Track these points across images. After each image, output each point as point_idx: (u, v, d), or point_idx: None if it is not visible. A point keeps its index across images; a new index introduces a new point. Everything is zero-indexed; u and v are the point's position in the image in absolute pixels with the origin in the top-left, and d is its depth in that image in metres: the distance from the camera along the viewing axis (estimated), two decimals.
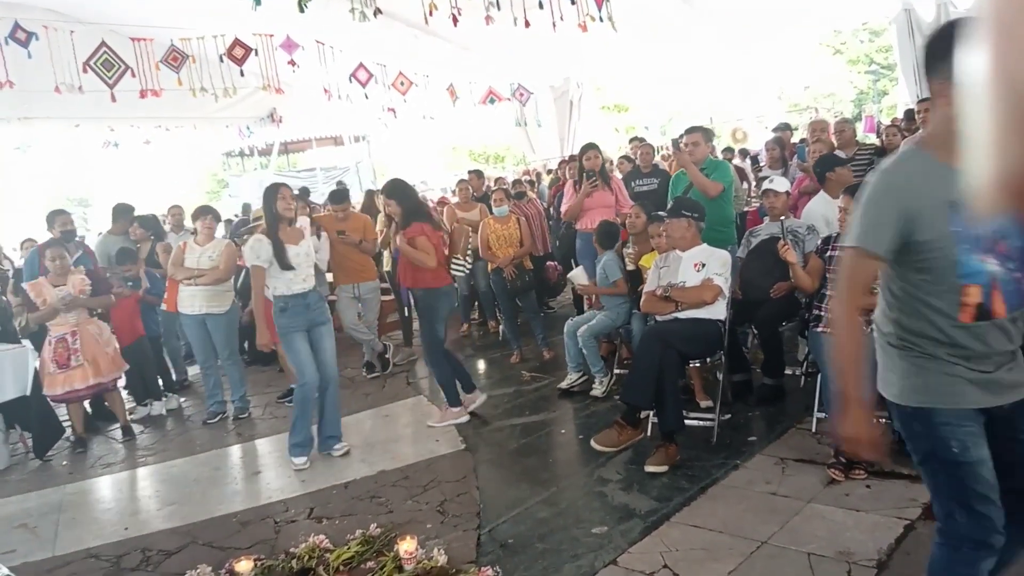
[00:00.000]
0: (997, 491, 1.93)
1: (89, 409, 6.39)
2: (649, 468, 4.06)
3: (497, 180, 9.88)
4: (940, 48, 1.80)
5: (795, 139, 10.39)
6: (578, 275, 5.65)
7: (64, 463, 5.67)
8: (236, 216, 11.86)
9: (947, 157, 1.75)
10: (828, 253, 4.01)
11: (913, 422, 1.99)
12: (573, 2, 7.75)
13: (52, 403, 5.84)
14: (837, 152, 6.30)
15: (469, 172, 9.55)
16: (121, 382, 6.30)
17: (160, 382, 6.88)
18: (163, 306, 6.60)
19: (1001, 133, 0.60)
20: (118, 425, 6.20)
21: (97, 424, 6.35)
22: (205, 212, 6.34)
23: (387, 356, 7.06)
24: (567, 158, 10.60)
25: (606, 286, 5.53)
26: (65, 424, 5.99)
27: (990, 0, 0.61)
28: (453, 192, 13.08)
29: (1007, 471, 1.95)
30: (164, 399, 6.77)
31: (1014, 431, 1.97)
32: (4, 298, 6.74)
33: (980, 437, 1.93)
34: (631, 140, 8.69)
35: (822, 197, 5.13)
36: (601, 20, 7.93)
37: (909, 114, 7.65)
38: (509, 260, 6.58)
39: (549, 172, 12.86)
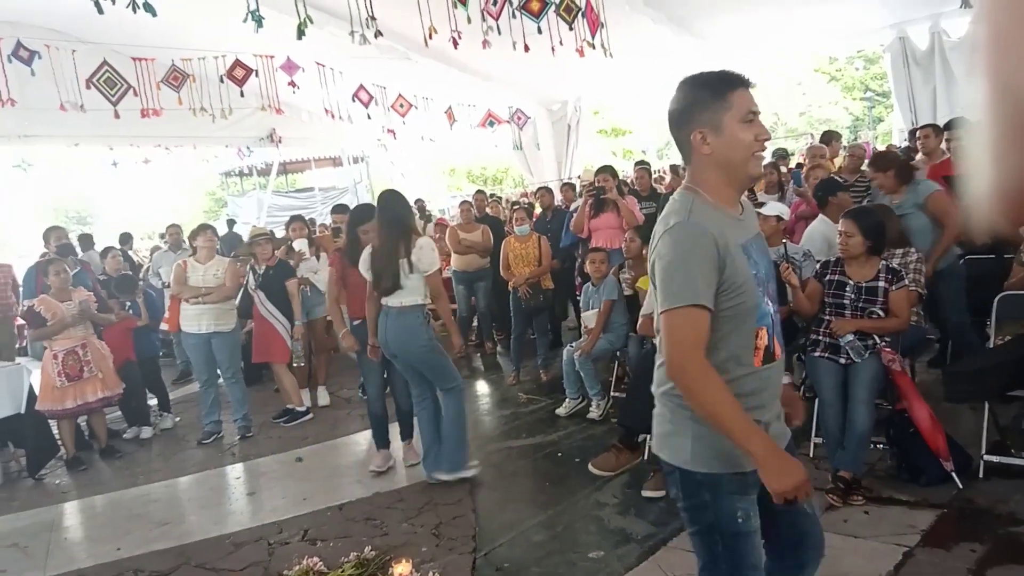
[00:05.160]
0: (762, 560, 1.95)
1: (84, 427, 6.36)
2: (646, 492, 4.05)
3: (515, 204, 9.98)
4: (688, 103, 1.86)
5: (791, 164, 10.47)
6: (590, 317, 5.64)
7: (57, 482, 5.63)
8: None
9: (722, 202, 1.87)
10: (828, 277, 4.02)
11: (702, 490, 1.90)
12: (571, 28, 7.84)
13: (52, 419, 5.81)
14: (836, 176, 6.35)
15: (477, 192, 9.59)
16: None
17: (156, 401, 6.85)
18: (164, 326, 6.59)
19: (999, 145, 0.61)
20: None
21: (91, 442, 6.30)
22: (204, 229, 6.34)
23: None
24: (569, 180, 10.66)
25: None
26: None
27: (987, 17, 0.62)
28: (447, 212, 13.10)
29: (773, 516, 1.95)
30: (160, 418, 6.74)
31: None
32: None
33: (756, 506, 1.90)
34: (636, 164, 8.73)
35: (822, 219, 5.17)
36: (593, 47, 8.04)
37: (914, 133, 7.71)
38: (524, 279, 6.64)
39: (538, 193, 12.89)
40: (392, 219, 4.45)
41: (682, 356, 1.79)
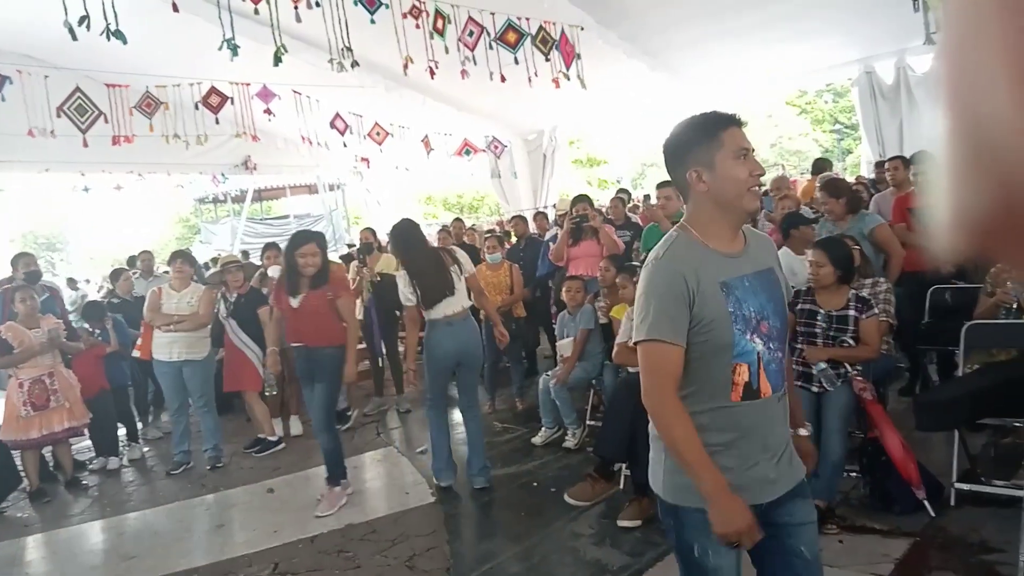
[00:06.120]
0: None
1: (50, 459, 6.20)
2: (622, 522, 4.03)
3: (488, 232, 10.03)
4: (682, 144, 1.95)
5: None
6: (565, 346, 5.64)
7: (20, 515, 5.48)
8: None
9: (710, 241, 1.92)
10: (799, 306, 4.07)
11: (668, 516, 2.01)
12: (547, 59, 7.95)
13: (15, 450, 5.67)
14: (804, 208, 6.45)
15: (455, 220, 9.63)
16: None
17: (124, 431, 6.71)
18: (136, 353, 6.49)
19: (958, 173, 0.62)
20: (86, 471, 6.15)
21: (56, 473, 6.15)
22: (178, 256, 6.28)
23: (349, 413, 6.93)
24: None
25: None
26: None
27: (947, 53, 0.63)
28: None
29: (766, 555, 1.98)
30: (128, 448, 6.61)
31: (775, 515, 1.97)
32: None
33: (726, 546, 1.89)
34: (619, 192, 8.83)
35: (785, 251, 5.24)
36: (568, 78, 8.15)
37: (881, 164, 7.94)
38: (495, 307, 6.61)
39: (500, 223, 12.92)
40: (422, 237, 5.03)
41: (650, 386, 1.90)
